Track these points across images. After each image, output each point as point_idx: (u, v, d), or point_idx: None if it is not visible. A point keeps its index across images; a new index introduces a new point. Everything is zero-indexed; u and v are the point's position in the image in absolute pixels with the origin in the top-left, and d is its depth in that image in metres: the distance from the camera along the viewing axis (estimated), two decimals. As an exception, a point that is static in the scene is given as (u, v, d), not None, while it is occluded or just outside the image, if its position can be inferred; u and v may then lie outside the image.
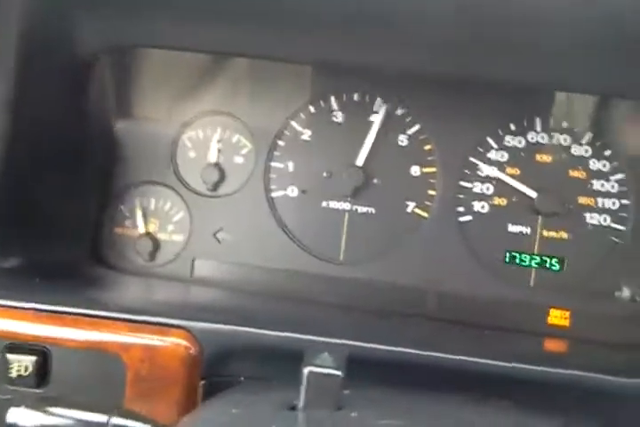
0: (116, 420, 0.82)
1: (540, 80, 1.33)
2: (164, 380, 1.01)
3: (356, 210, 1.50)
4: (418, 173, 1.50)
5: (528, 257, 1.46)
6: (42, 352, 1.04)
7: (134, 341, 1.02)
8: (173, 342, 1.02)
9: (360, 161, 1.48)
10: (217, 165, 1.50)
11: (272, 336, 1.03)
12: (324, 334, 1.09)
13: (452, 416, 0.81)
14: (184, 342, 1.02)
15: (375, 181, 1.50)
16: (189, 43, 1.36)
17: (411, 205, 1.50)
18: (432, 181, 1.49)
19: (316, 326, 1.15)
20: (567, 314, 1.41)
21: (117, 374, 1.02)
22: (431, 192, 1.49)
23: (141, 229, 1.48)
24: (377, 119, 1.50)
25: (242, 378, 1.05)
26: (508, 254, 1.46)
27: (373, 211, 1.50)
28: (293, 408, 0.73)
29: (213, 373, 1.06)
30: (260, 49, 1.34)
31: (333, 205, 1.50)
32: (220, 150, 1.51)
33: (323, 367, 0.72)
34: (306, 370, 0.73)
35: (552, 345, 1.34)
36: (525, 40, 1.13)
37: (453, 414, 0.82)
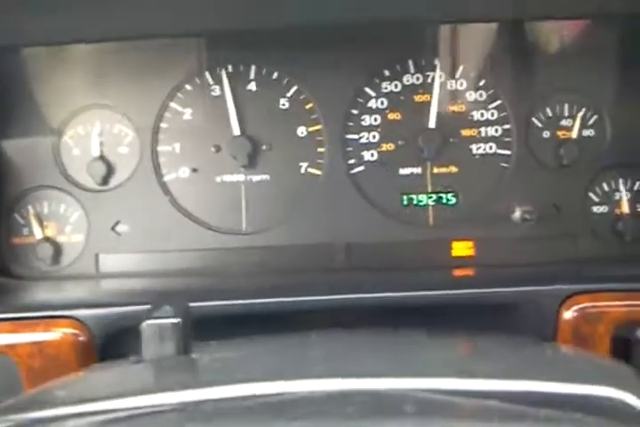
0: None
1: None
2: (59, 369, 1.00)
3: (251, 179, 1.50)
4: (304, 134, 1.51)
5: (424, 196, 1.48)
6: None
7: (19, 338, 1.01)
8: (61, 333, 1.02)
9: (245, 131, 1.49)
10: (102, 158, 1.48)
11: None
12: (220, 298, 1.11)
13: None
14: (72, 331, 1.02)
15: (264, 147, 1.50)
16: (59, 35, 1.34)
17: (303, 166, 1.51)
18: (319, 138, 1.50)
19: (215, 293, 1.16)
20: (470, 244, 1.44)
21: (13, 373, 1.02)
22: (320, 150, 1.50)
23: (39, 234, 1.46)
24: (254, 87, 1.50)
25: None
26: (404, 197, 1.48)
27: (268, 178, 1.50)
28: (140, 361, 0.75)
29: (115, 353, 1.06)
30: (137, 28, 1.33)
31: (227, 178, 1.50)
32: (102, 143, 1.50)
33: (161, 318, 0.73)
34: (144, 323, 0.74)
35: (458, 273, 1.37)
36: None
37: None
